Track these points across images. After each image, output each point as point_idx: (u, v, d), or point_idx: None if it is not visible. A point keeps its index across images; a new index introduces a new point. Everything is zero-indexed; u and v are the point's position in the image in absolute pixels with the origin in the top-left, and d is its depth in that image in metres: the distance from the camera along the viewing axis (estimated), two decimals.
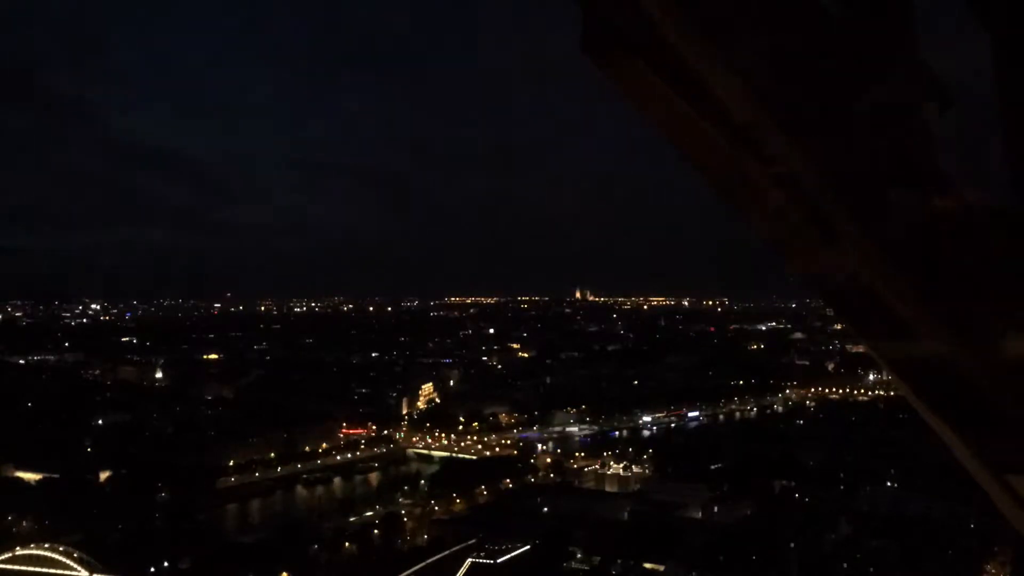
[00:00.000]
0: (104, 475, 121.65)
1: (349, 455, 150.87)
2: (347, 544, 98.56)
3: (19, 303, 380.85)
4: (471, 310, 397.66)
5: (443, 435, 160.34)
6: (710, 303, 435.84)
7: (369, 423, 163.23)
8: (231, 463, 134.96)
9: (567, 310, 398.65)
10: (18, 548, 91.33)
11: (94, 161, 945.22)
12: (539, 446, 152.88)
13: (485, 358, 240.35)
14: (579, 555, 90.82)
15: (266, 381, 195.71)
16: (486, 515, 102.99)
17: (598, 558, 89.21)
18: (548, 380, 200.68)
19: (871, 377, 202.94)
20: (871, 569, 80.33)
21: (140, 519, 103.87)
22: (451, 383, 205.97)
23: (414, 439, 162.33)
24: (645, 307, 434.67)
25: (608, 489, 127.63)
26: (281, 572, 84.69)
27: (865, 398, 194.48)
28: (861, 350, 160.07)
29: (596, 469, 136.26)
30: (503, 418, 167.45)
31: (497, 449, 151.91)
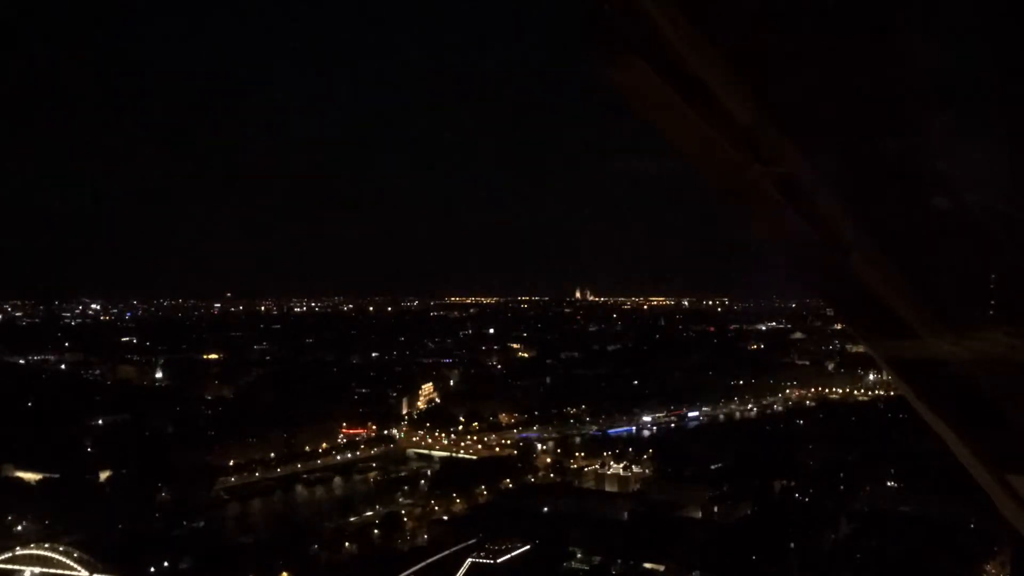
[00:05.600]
0: (104, 475, 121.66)
1: (349, 455, 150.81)
2: (347, 544, 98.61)
3: (19, 303, 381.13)
4: (471, 310, 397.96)
5: (443, 435, 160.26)
6: (710, 303, 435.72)
7: (369, 423, 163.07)
8: (231, 463, 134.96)
9: (567, 310, 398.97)
10: (18, 548, 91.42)
11: None
12: (539, 446, 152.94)
13: (485, 358, 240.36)
14: (579, 555, 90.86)
15: (266, 381, 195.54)
16: (486, 515, 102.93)
17: (598, 558, 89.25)
18: (548, 380, 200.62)
19: (871, 377, 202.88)
20: (871, 569, 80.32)
21: (140, 519, 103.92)
22: (451, 383, 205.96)
23: (414, 439, 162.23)
24: (645, 307, 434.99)
25: (608, 489, 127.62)
26: (281, 572, 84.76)
27: (865, 398, 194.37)
28: (861, 350, 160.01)
29: (596, 469, 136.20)
30: (503, 418, 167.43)
31: (497, 449, 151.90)
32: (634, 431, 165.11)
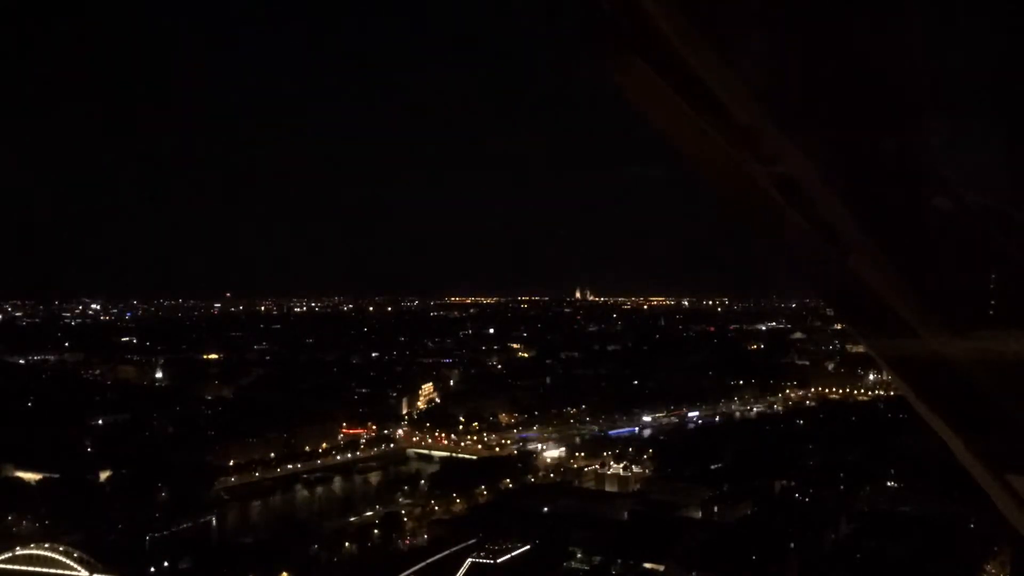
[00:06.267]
0: (104, 475, 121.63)
1: (349, 455, 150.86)
2: (347, 544, 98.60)
3: (19, 303, 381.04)
4: (471, 310, 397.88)
5: (443, 435, 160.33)
6: (710, 303, 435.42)
7: (369, 423, 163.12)
8: (231, 463, 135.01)
9: (567, 310, 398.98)
10: (18, 548, 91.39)
11: None
12: (539, 446, 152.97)
13: (485, 358, 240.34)
14: (579, 555, 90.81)
15: (266, 381, 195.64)
16: (486, 515, 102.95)
17: (598, 558, 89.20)
18: (548, 380, 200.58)
19: (871, 377, 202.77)
20: (871, 569, 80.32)
21: (140, 519, 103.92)
22: (451, 383, 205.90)
23: (414, 439, 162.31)
24: (645, 307, 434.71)
25: (608, 489, 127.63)
26: (281, 572, 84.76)
27: (865, 398, 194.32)
28: (861, 350, 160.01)
29: (596, 469, 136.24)
30: (503, 418, 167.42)
31: (497, 449, 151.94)
32: (634, 431, 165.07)
